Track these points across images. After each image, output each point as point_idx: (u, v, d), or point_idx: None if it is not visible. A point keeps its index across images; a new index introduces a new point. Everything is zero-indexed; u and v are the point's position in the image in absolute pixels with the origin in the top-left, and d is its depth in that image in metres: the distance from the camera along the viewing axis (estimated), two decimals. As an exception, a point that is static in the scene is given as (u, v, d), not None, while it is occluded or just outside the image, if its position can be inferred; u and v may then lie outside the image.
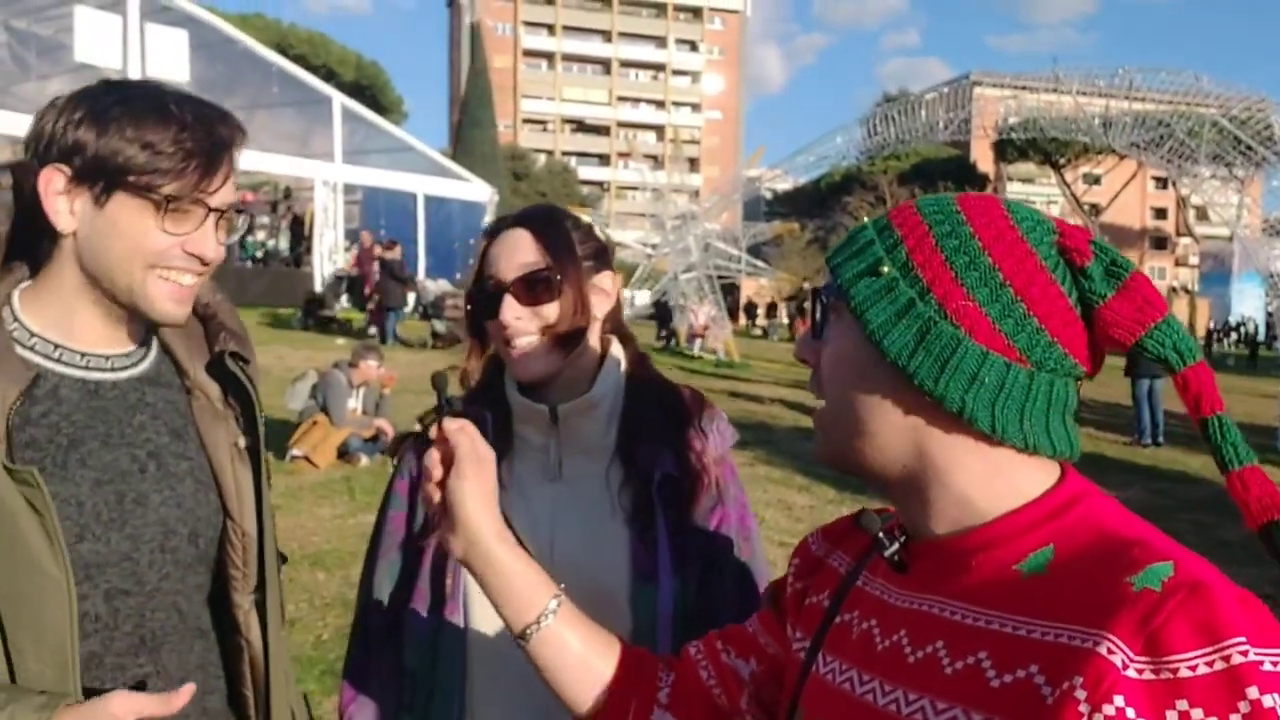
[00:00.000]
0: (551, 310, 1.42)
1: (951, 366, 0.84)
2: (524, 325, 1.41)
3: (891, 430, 0.89)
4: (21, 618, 1.14)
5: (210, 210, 1.24)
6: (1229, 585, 0.75)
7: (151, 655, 1.26)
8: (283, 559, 1.47)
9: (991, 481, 0.88)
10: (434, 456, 1.10)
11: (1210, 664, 0.70)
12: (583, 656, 1.11)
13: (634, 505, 1.45)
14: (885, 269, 0.88)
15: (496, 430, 1.47)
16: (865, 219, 0.96)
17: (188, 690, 1.13)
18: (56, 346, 1.26)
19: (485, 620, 1.39)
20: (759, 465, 9.18)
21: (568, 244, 1.45)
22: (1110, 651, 0.72)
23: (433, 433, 1.11)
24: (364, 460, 8.37)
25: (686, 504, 1.45)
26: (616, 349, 1.53)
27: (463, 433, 1.10)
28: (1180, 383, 0.87)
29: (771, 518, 7.50)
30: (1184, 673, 0.70)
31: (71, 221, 1.22)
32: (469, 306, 1.50)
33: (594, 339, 1.50)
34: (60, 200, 1.21)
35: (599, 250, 1.51)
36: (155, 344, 1.37)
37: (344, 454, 8.44)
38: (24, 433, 1.19)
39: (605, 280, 1.51)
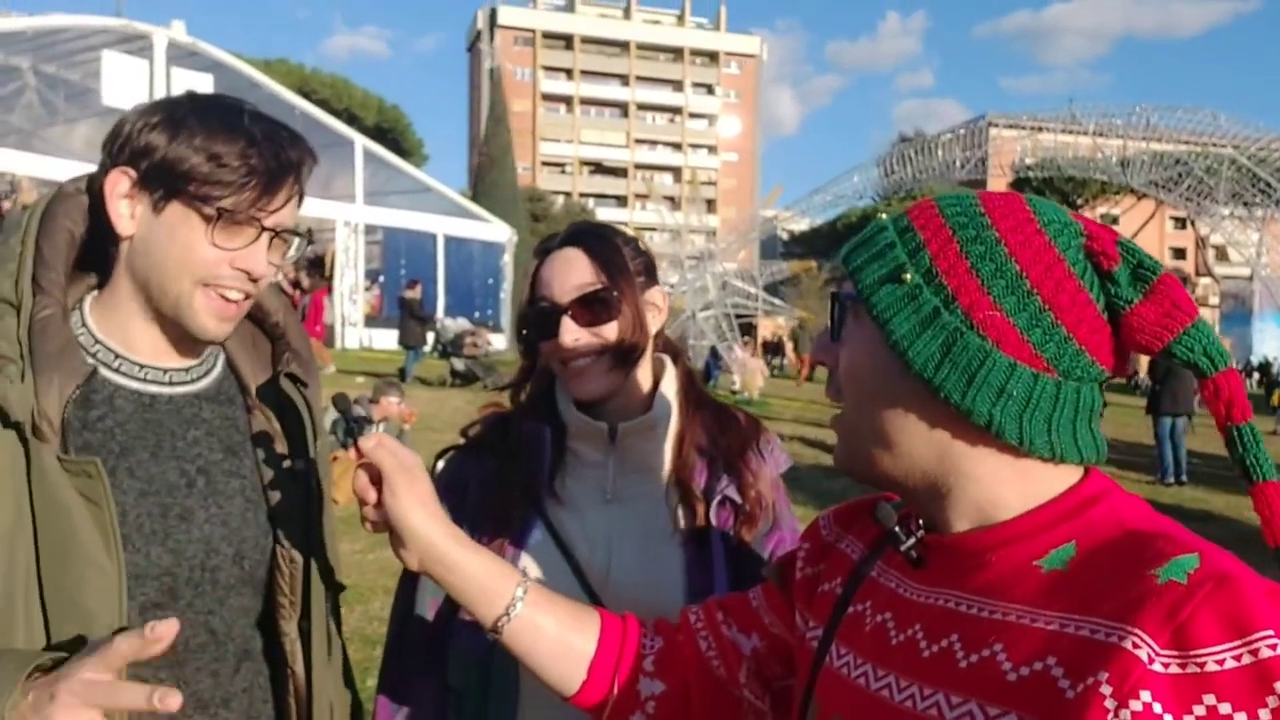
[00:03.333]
0: (611, 330, 1.41)
1: (979, 379, 0.82)
2: (583, 346, 1.40)
3: (914, 440, 0.87)
4: (69, 613, 1.12)
5: (264, 229, 1.23)
6: (1256, 578, 0.73)
7: (173, 670, 1.24)
8: (340, 588, 1.44)
9: (1016, 484, 0.86)
10: (362, 480, 1.08)
11: (1238, 658, 0.69)
12: (560, 637, 1.10)
13: (691, 526, 1.43)
14: (908, 276, 0.85)
15: (553, 446, 1.47)
16: (883, 215, 0.92)
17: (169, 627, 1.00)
18: (117, 356, 1.26)
19: None
20: (778, 504, 9.09)
21: (622, 261, 1.44)
22: (1136, 646, 0.71)
23: (352, 455, 1.10)
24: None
25: (744, 527, 1.44)
26: (670, 367, 1.53)
27: (381, 448, 1.08)
28: (1210, 389, 0.84)
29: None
30: (1211, 667, 0.69)
31: (131, 225, 1.23)
32: (522, 330, 1.49)
33: (648, 356, 1.49)
34: (123, 203, 1.22)
35: (649, 265, 1.51)
36: (222, 361, 1.37)
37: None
38: (81, 436, 1.20)
39: (656, 295, 1.51)
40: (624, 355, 1.42)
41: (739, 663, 1.12)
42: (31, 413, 1.13)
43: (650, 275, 1.50)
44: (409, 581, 1.49)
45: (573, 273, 1.42)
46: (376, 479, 1.08)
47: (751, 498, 1.45)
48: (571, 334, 1.40)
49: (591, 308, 1.40)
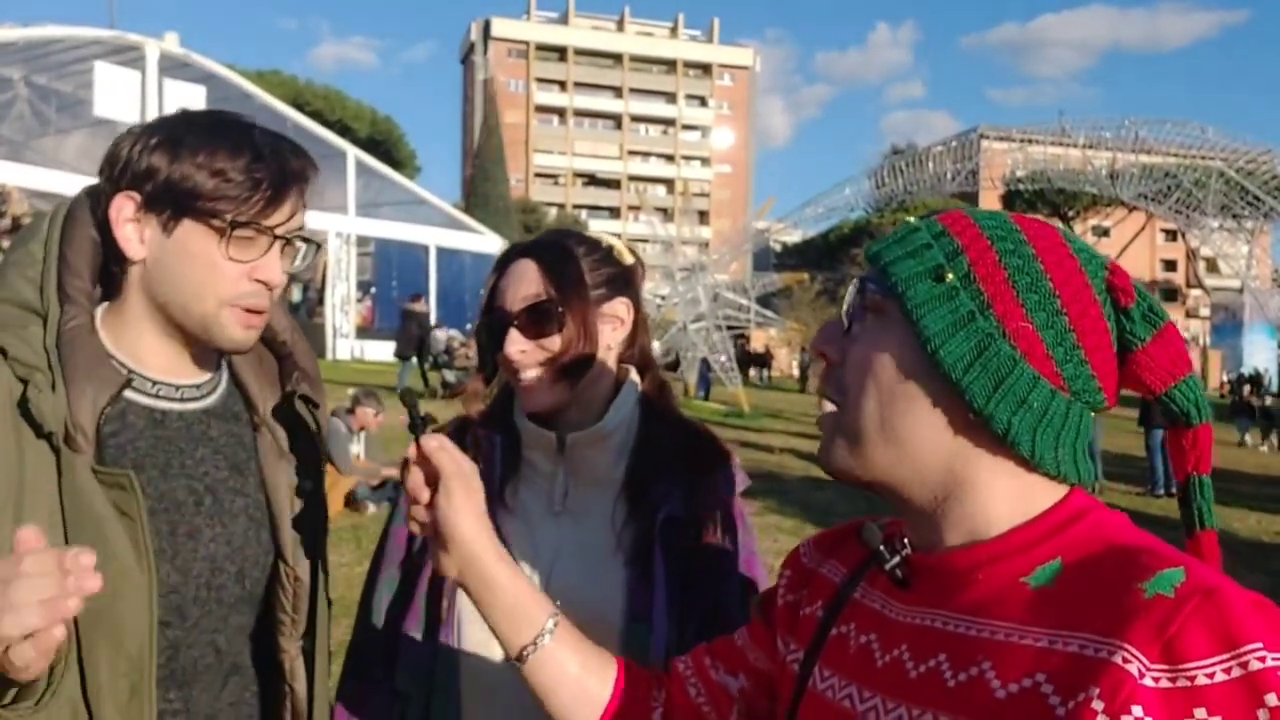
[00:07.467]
0: (554, 342, 1.39)
1: (1005, 387, 0.83)
2: (528, 357, 1.40)
3: (925, 442, 0.87)
4: (99, 623, 1.10)
5: (275, 238, 1.23)
6: (1242, 590, 0.74)
7: (181, 690, 1.24)
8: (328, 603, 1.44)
9: (1013, 499, 0.87)
10: (418, 479, 1.06)
11: (1228, 671, 0.69)
12: (579, 678, 1.08)
13: (635, 544, 1.41)
14: (948, 276, 0.85)
15: (505, 454, 1.46)
16: (911, 219, 0.93)
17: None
18: (130, 372, 1.24)
19: (480, 644, 1.37)
20: (769, 515, 9.10)
21: (574, 273, 1.43)
22: (1126, 660, 0.71)
23: (412, 453, 1.07)
24: (371, 508, 8.34)
25: (690, 547, 1.41)
26: (634, 378, 1.50)
27: (444, 450, 1.05)
28: (1190, 438, 0.90)
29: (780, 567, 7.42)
30: (1202, 680, 0.69)
31: (141, 249, 1.22)
32: (480, 339, 1.49)
33: (607, 368, 1.47)
34: (130, 228, 1.21)
35: (613, 276, 1.47)
36: (227, 377, 1.36)
37: (351, 502, 8.43)
38: (99, 452, 1.18)
39: (618, 307, 1.47)
40: (569, 368, 1.40)
41: (729, 706, 1.11)
42: (65, 424, 1.12)
43: (614, 286, 1.47)
44: (370, 591, 1.50)
45: (522, 284, 1.42)
46: (431, 480, 1.06)
47: (700, 517, 1.43)
48: (517, 345, 1.40)
49: (536, 319, 1.40)
